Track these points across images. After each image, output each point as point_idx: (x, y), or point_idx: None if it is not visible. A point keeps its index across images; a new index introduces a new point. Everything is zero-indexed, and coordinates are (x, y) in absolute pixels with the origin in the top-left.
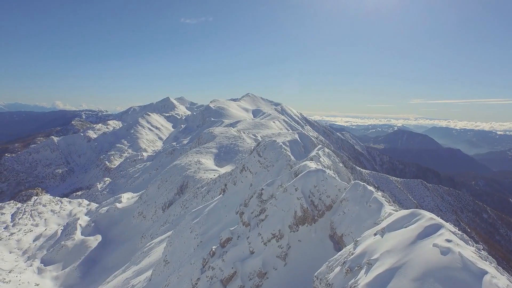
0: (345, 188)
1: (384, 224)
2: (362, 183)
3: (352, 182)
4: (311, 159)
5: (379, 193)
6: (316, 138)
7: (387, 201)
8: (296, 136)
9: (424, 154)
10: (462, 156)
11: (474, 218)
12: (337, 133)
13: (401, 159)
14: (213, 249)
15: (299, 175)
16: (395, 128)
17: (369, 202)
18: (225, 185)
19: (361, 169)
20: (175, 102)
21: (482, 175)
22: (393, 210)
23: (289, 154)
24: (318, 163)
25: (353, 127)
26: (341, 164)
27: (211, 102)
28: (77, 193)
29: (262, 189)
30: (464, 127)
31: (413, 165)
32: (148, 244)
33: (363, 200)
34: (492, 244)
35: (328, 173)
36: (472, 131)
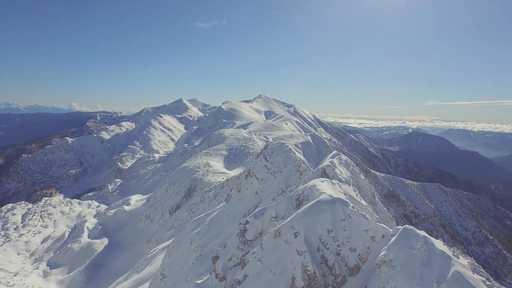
0: (383, 236)
1: None
2: (421, 234)
3: (399, 227)
4: (324, 172)
5: (461, 259)
6: (329, 140)
7: (483, 279)
8: (309, 138)
9: (440, 156)
10: (480, 159)
11: (496, 224)
12: (351, 135)
13: (417, 162)
14: None
15: (304, 208)
16: (410, 130)
17: (444, 280)
18: (231, 190)
19: (376, 172)
20: (187, 103)
21: (502, 179)
22: None
23: (300, 158)
24: (334, 181)
25: (367, 129)
26: (362, 176)
27: (223, 103)
28: (89, 194)
29: (247, 222)
30: (482, 129)
31: (429, 168)
32: (152, 250)
33: (428, 272)
34: None
35: (352, 206)
36: (491, 133)
